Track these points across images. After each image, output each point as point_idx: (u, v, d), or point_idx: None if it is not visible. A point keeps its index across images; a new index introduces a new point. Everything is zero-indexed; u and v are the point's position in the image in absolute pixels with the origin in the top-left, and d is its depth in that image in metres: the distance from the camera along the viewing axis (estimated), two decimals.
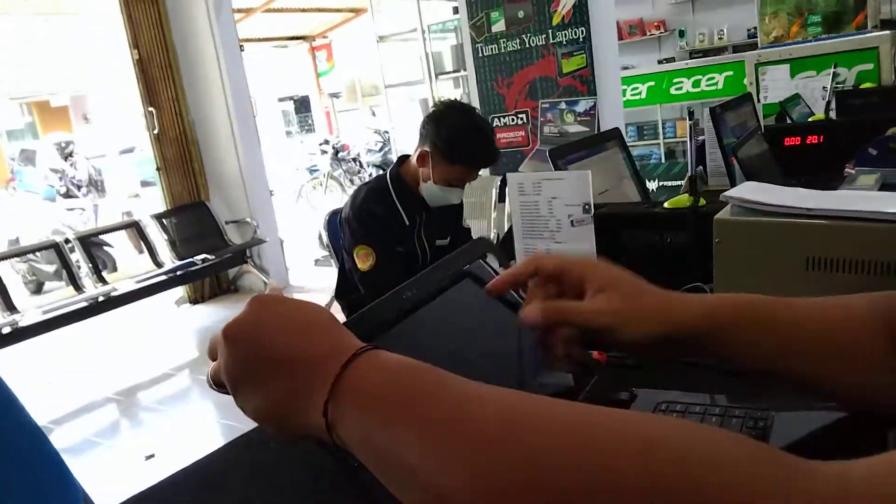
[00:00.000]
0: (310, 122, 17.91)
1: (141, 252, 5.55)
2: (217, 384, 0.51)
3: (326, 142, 10.52)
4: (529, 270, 0.67)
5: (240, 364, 0.47)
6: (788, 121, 2.24)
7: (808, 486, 0.32)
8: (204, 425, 3.18)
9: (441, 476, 0.37)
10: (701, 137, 1.94)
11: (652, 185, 4.93)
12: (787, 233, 0.98)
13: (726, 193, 1.05)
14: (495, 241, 2.25)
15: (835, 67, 2.38)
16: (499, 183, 3.77)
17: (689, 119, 1.12)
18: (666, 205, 1.18)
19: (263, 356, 0.47)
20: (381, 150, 10.54)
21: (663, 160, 5.05)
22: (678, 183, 3.53)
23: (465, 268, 0.83)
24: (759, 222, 1.00)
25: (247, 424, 0.93)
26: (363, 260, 2.02)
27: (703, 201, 1.15)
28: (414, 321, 0.73)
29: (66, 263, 4.99)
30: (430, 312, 0.76)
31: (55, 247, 5.02)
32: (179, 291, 5.80)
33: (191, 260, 5.24)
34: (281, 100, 18.75)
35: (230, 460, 0.85)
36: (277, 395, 0.46)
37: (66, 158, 8.58)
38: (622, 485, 0.33)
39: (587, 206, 1.22)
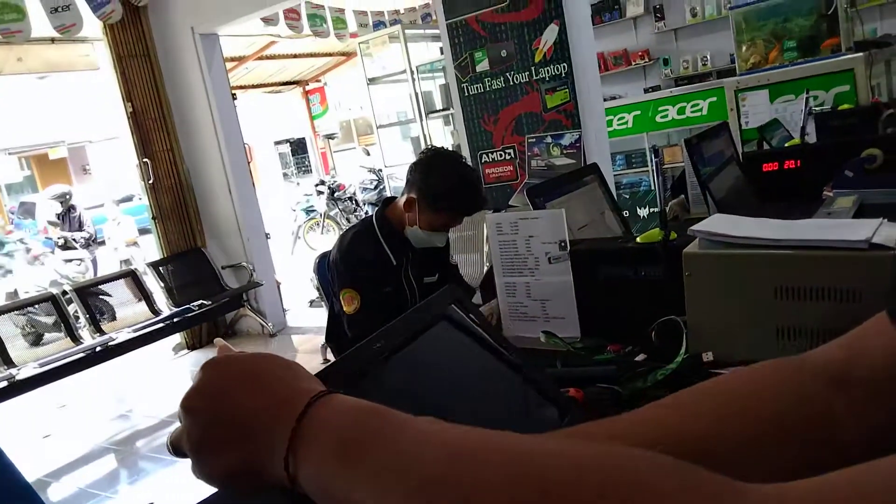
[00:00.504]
0: (307, 163, 18.05)
1: (139, 300, 5.56)
2: (175, 449, 0.52)
3: (322, 182, 10.58)
4: None
5: (200, 431, 0.48)
6: (766, 146, 2.28)
7: None
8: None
9: None
10: (682, 166, 1.97)
11: (643, 213, 4.98)
12: (754, 264, 1.00)
13: (693, 228, 1.07)
14: (485, 276, 2.27)
15: (807, 93, 2.42)
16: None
17: (655, 156, 1.14)
18: (638, 239, 1.20)
19: (221, 420, 0.48)
20: (375, 187, 10.61)
21: (652, 187, 5.10)
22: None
23: (440, 312, 0.85)
24: (726, 254, 1.02)
25: None
26: (349, 303, 2.04)
27: (674, 234, 1.17)
28: (389, 369, 0.75)
29: (63, 315, 4.99)
30: (405, 359, 0.77)
31: (52, 299, 5.04)
32: (177, 338, 5.80)
33: (188, 306, 5.25)
34: (277, 143, 18.93)
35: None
36: (240, 457, 0.47)
37: (66, 212, 8.63)
38: None
39: (563, 244, 1.25)
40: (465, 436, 0.40)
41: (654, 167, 1.34)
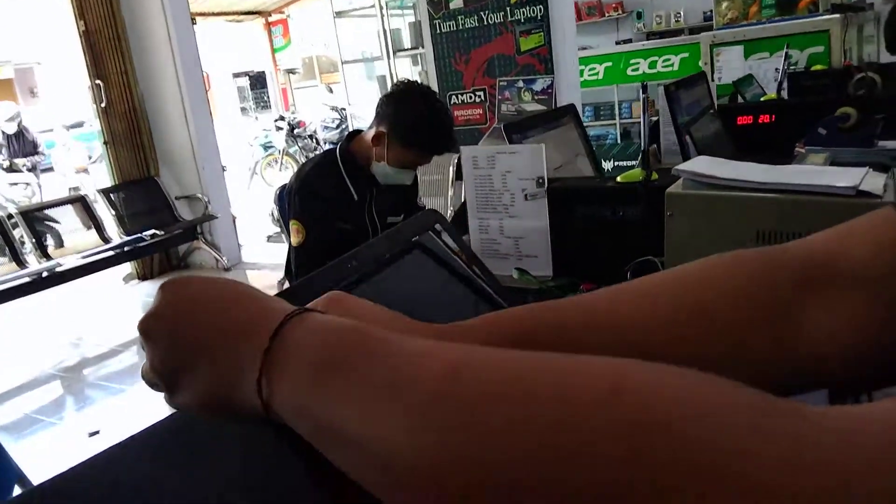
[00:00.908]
0: (266, 98, 17.56)
1: (88, 228, 5.38)
2: (151, 384, 0.46)
3: (282, 118, 10.32)
4: None
5: (162, 357, 0.43)
6: (741, 100, 2.27)
7: (818, 439, 0.25)
8: (151, 402, 3.08)
9: (382, 443, 0.33)
10: (654, 118, 1.95)
11: (608, 165, 4.97)
12: (737, 206, 0.98)
13: (678, 167, 1.05)
14: (450, 219, 2.23)
15: (787, 48, 2.41)
16: (456, 160, 3.75)
17: (643, 92, 1.11)
18: (619, 179, 1.17)
19: (183, 343, 0.42)
20: (338, 126, 10.40)
21: (619, 140, 5.09)
22: (633, 163, 3.55)
23: (415, 239, 0.81)
24: (710, 196, 1.00)
25: None
26: (295, 234, 2.00)
27: (655, 175, 1.14)
28: (359, 293, 0.70)
29: (8, 239, 4.81)
30: (376, 284, 0.73)
31: None
32: (128, 268, 5.66)
33: (139, 235, 5.10)
34: (236, 75, 18.34)
35: (174, 431, 0.81)
36: (207, 381, 0.42)
37: (17, 133, 8.24)
38: (578, 439, 0.27)
39: (541, 181, 1.21)
40: (462, 349, 0.35)
41: (643, 105, 1.29)
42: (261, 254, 5.94)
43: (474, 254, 0.87)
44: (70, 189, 8.58)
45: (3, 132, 8.26)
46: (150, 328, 0.43)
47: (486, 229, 1.31)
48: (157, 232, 5.17)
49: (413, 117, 1.96)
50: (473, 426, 0.30)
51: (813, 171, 1.00)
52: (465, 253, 0.86)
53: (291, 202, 2.07)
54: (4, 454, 1.64)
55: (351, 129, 2.16)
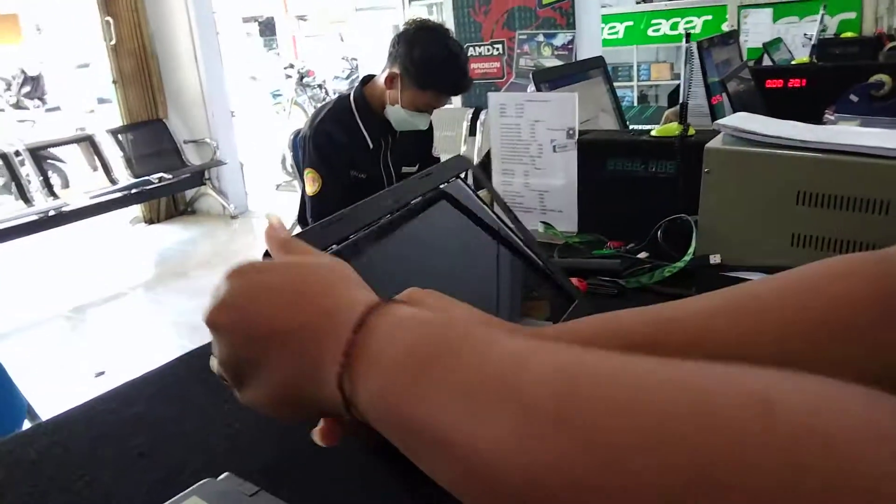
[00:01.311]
0: (274, 46, 17.31)
1: (95, 169, 5.35)
2: (221, 379, 0.44)
3: (291, 66, 10.17)
4: None
5: (232, 350, 0.40)
6: (770, 63, 2.21)
7: None
8: (158, 345, 3.12)
9: (485, 447, 0.30)
10: (676, 82, 1.89)
11: None
12: (779, 165, 0.95)
13: (720, 121, 1.01)
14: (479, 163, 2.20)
15: (824, 9, 2.33)
16: (470, 115, 3.69)
17: (686, 41, 1.06)
18: (653, 132, 1.13)
19: (255, 335, 0.39)
20: (348, 76, 10.27)
21: (635, 103, 5.01)
22: (650, 127, 3.47)
23: (442, 187, 0.78)
24: (751, 153, 0.97)
25: (202, 342, 0.88)
26: (311, 183, 1.96)
27: (692, 131, 1.10)
28: (387, 244, 0.68)
29: (15, 176, 4.78)
30: (403, 235, 0.71)
31: (3, 157, 4.79)
32: (135, 211, 5.63)
33: (146, 178, 5.07)
34: (245, 20, 18.03)
35: (184, 371, 0.80)
36: (281, 375, 0.39)
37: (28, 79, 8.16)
38: (730, 455, 0.23)
39: (571, 132, 1.17)
40: (574, 352, 0.32)
41: (685, 55, 1.24)
42: (268, 202, 5.91)
43: (504, 202, 0.84)
44: (77, 129, 8.52)
45: (23, 71, 8.17)
46: (218, 319, 0.40)
47: (510, 182, 1.28)
48: (165, 175, 5.13)
49: (428, 57, 1.91)
50: (596, 438, 0.27)
51: (859, 133, 0.96)
52: (495, 200, 0.83)
53: (305, 150, 2.03)
54: (13, 387, 1.64)
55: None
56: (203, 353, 0.84)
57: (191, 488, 0.53)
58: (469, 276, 0.77)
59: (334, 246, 0.58)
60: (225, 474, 0.56)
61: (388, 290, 0.62)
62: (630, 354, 0.30)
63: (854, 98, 1.82)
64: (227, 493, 0.53)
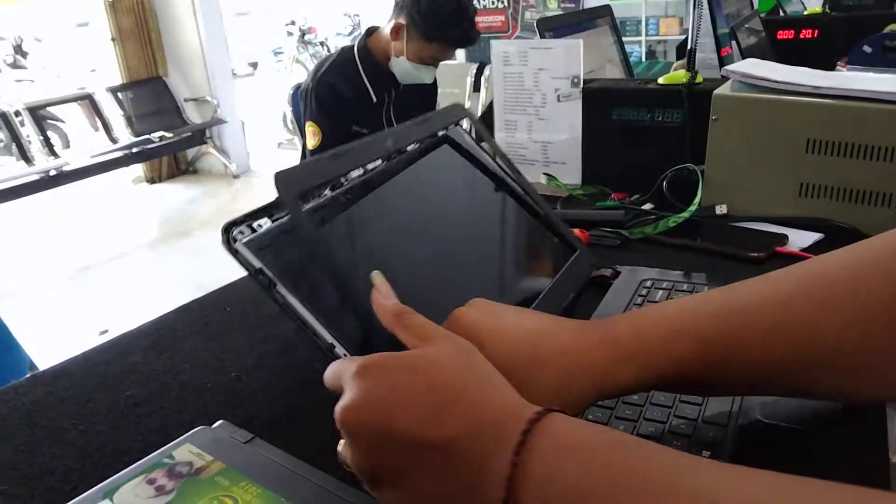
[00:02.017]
0: None
1: (95, 129, 5.31)
2: (346, 466, 0.41)
3: (293, 23, 10.01)
4: None
5: (371, 457, 0.38)
6: (782, 14, 2.15)
7: None
8: (161, 304, 3.09)
9: None
10: (683, 36, 1.84)
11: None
12: (788, 112, 0.92)
13: (728, 67, 0.98)
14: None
15: None
16: (474, 71, 3.63)
17: None
18: (660, 80, 1.10)
19: (395, 445, 0.37)
20: (350, 34, 10.10)
21: (643, 59, 4.91)
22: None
23: (444, 133, 0.76)
24: (760, 99, 0.94)
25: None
26: (311, 137, 1.93)
27: (700, 78, 1.07)
28: (389, 189, 0.66)
29: (15, 136, 4.74)
30: (405, 179, 0.68)
31: (3, 117, 4.75)
32: (136, 170, 5.60)
33: (147, 137, 5.02)
34: None
35: (180, 323, 0.79)
36: (433, 491, 0.37)
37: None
38: None
39: (576, 80, 1.14)
40: (756, 494, 0.30)
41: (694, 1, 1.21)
42: (270, 161, 5.87)
43: (502, 151, 0.81)
44: (78, 88, 8.44)
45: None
46: (353, 422, 0.38)
47: (512, 133, 1.25)
48: (166, 134, 5.09)
49: (435, 7, 1.86)
50: None
51: (872, 79, 0.93)
52: (493, 149, 0.81)
53: (307, 103, 1.99)
54: (16, 344, 1.64)
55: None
56: (199, 304, 0.83)
57: (185, 436, 0.53)
58: (469, 223, 0.75)
59: (328, 191, 0.56)
60: (220, 422, 0.55)
61: (387, 234, 0.61)
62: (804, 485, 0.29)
63: (867, 49, 1.77)
64: (222, 440, 0.52)
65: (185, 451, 0.51)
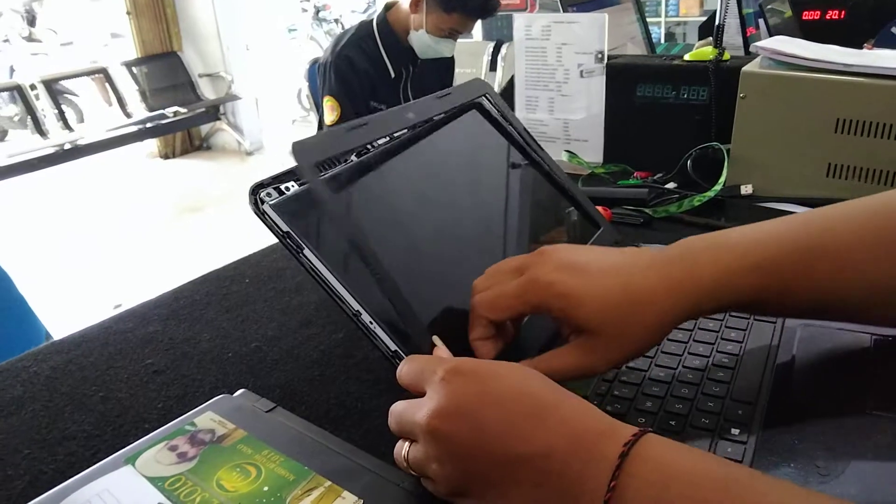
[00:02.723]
0: None
1: (109, 104, 5.30)
2: (417, 472, 0.41)
3: None
4: (485, 331, 0.48)
5: (458, 465, 0.37)
6: None
7: None
8: (174, 279, 3.11)
9: None
10: (704, 17, 1.80)
11: None
12: (819, 90, 0.90)
13: (757, 44, 0.96)
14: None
15: None
16: (491, 49, 3.59)
17: None
18: (686, 57, 1.08)
19: (489, 454, 0.36)
20: (365, 10, 10.01)
21: (662, 40, 4.85)
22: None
23: (474, 99, 0.75)
24: (789, 77, 0.92)
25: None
26: (329, 112, 1.92)
27: (727, 55, 1.05)
28: (418, 150, 0.65)
29: (30, 109, 4.75)
30: (433, 142, 0.67)
31: (18, 89, 4.76)
32: (150, 146, 5.61)
33: (161, 112, 5.02)
34: None
35: (202, 292, 0.79)
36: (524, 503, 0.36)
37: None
38: None
39: (600, 55, 1.12)
40: None
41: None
42: (284, 138, 5.85)
43: (524, 127, 0.80)
44: (91, 63, 8.45)
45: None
46: (443, 427, 0.37)
47: (533, 109, 1.23)
48: (180, 109, 5.08)
49: None
50: None
51: None
52: (513, 125, 0.80)
53: (325, 77, 1.97)
54: (32, 315, 1.65)
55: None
56: (217, 275, 0.83)
57: (206, 403, 0.52)
58: (493, 193, 0.74)
59: (353, 158, 0.55)
60: (241, 391, 0.55)
61: (409, 202, 0.60)
62: None
63: None
64: (243, 408, 0.52)
65: (206, 418, 0.50)
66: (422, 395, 0.40)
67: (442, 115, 0.71)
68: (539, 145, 0.79)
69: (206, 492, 0.43)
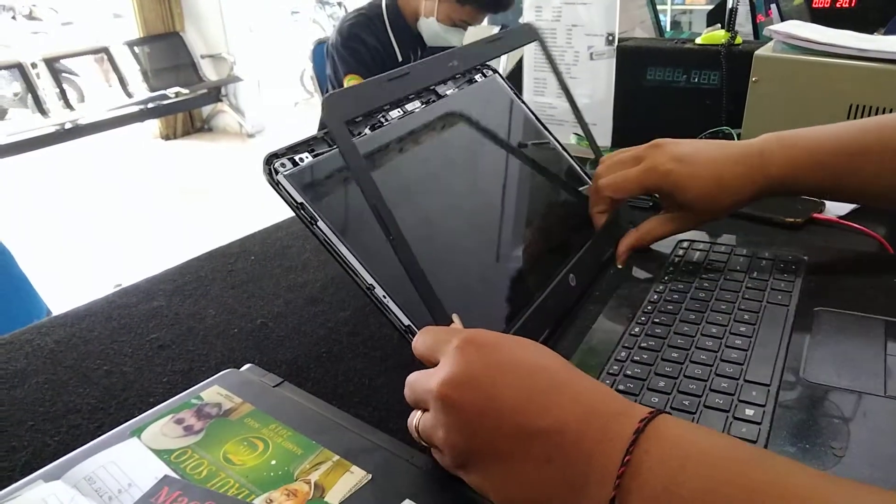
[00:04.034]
0: None
1: (110, 85, 5.27)
2: (426, 441, 0.40)
3: None
4: (608, 210, 0.70)
5: (467, 435, 0.36)
6: None
7: None
8: (174, 260, 3.09)
9: None
10: (710, 6, 1.79)
11: None
12: (832, 74, 0.89)
13: (771, 27, 0.95)
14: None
15: None
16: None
17: None
18: (698, 40, 1.07)
19: (500, 425, 0.35)
20: None
21: (668, 28, 4.81)
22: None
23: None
24: (803, 61, 0.91)
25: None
26: None
27: (739, 39, 1.04)
28: (434, 109, 0.64)
29: (31, 87, 4.72)
30: (451, 101, 0.67)
31: (19, 68, 4.73)
32: (151, 127, 5.59)
33: (163, 93, 4.99)
34: None
35: (207, 268, 0.78)
36: (532, 479, 0.35)
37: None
38: None
39: (611, 38, 1.11)
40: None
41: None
42: (286, 121, 5.83)
43: (534, 113, 0.80)
44: (94, 42, 8.39)
45: None
46: (454, 395, 0.36)
47: (542, 92, 1.22)
48: (182, 90, 5.05)
49: None
50: None
51: None
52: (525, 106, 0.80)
53: (337, 57, 1.94)
54: (34, 293, 1.65)
55: None
56: (223, 252, 0.82)
57: (213, 377, 0.52)
58: (509, 163, 0.73)
59: (383, 116, 0.54)
60: (248, 365, 0.54)
61: (433, 169, 0.59)
62: None
63: None
64: (251, 382, 0.51)
65: (213, 392, 0.50)
66: (436, 365, 0.40)
67: (472, 70, 0.70)
68: (549, 132, 0.79)
69: (212, 465, 0.42)
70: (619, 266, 0.68)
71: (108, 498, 0.40)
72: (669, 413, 0.35)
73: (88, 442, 0.45)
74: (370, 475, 0.41)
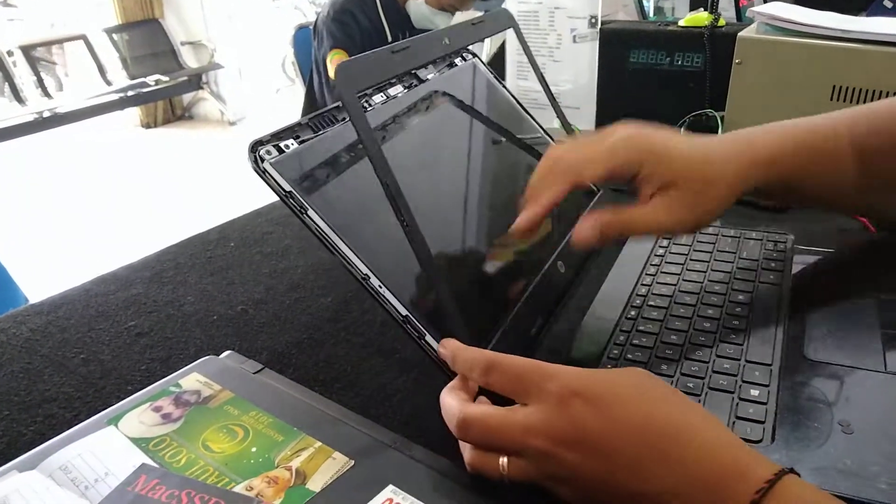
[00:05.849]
0: None
1: (90, 72, 5.19)
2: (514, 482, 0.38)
3: None
4: (565, 191, 0.48)
5: (577, 488, 0.36)
6: None
7: None
8: (153, 249, 3.06)
9: None
10: None
11: None
12: (817, 56, 0.89)
13: (754, 9, 0.94)
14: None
15: None
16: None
17: None
18: (681, 23, 1.06)
19: (612, 488, 0.34)
20: None
21: (652, 14, 4.81)
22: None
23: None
24: (786, 42, 0.90)
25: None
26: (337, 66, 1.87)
27: (722, 21, 1.03)
28: (417, 92, 0.63)
29: (8, 76, 4.63)
30: (434, 84, 0.66)
31: None
32: (132, 115, 5.51)
33: (143, 80, 4.92)
34: None
35: (185, 255, 0.77)
36: None
37: None
38: None
39: (594, 20, 1.10)
40: None
41: None
42: (268, 108, 5.76)
43: (517, 98, 0.80)
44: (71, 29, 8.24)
45: None
46: (566, 457, 0.35)
47: (525, 76, 1.21)
48: (162, 78, 4.98)
49: None
50: None
51: None
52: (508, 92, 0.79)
53: (323, 34, 1.91)
54: (11, 281, 1.62)
55: None
56: (201, 239, 0.81)
57: (192, 365, 0.51)
58: (491, 148, 0.72)
59: (371, 93, 0.53)
60: (227, 352, 0.53)
61: (430, 150, 0.58)
62: None
63: (888, 3, 1.72)
64: (230, 369, 0.50)
65: (192, 379, 0.49)
66: (512, 402, 0.38)
67: (444, 67, 0.69)
68: (532, 118, 0.78)
69: (191, 453, 0.42)
70: (575, 248, 0.51)
71: (84, 487, 0.39)
72: (796, 472, 0.33)
73: (64, 431, 0.44)
74: (353, 461, 0.41)
